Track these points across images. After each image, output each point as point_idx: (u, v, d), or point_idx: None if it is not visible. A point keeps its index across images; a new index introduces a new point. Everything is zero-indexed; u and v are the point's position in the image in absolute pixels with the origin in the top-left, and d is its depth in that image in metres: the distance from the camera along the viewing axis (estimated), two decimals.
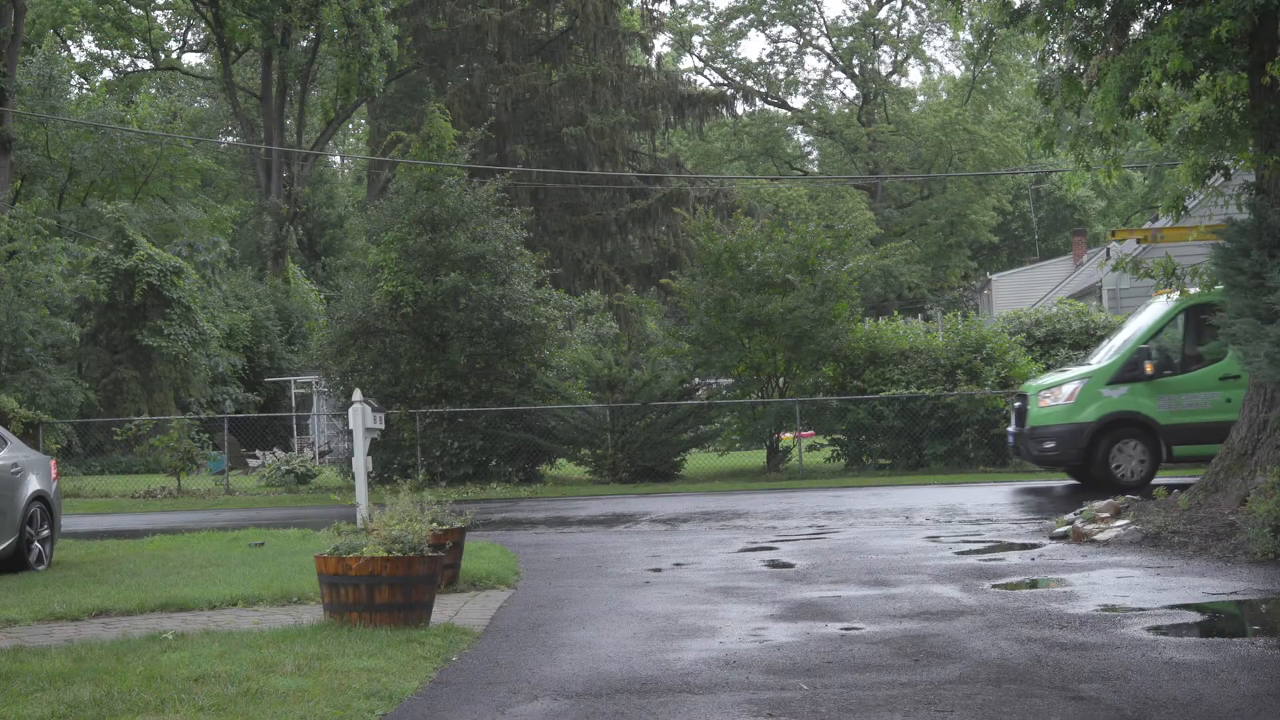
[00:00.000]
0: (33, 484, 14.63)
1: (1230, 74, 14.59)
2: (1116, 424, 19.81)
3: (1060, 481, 21.89)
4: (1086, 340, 31.69)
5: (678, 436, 26.94)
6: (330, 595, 9.94)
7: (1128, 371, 19.91)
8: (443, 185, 27.39)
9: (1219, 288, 19.29)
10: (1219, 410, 19.48)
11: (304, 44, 50.18)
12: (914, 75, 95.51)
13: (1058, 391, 20.23)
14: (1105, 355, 20.66)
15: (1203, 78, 14.97)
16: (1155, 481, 19.98)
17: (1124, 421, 19.81)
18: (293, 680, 8.16)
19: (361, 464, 14.29)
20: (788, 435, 27.94)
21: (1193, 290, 17.52)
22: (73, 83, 49.96)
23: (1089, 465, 20.04)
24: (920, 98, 76.61)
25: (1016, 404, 21.23)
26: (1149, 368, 19.81)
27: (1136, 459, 19.85)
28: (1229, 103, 15.07)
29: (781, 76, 75.23)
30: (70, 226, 41.79)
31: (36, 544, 14.57)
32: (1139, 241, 24.25)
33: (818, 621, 10.26)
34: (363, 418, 14.29)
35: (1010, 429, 21.54)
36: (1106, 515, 15.04)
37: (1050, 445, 20.02)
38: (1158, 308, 20.51)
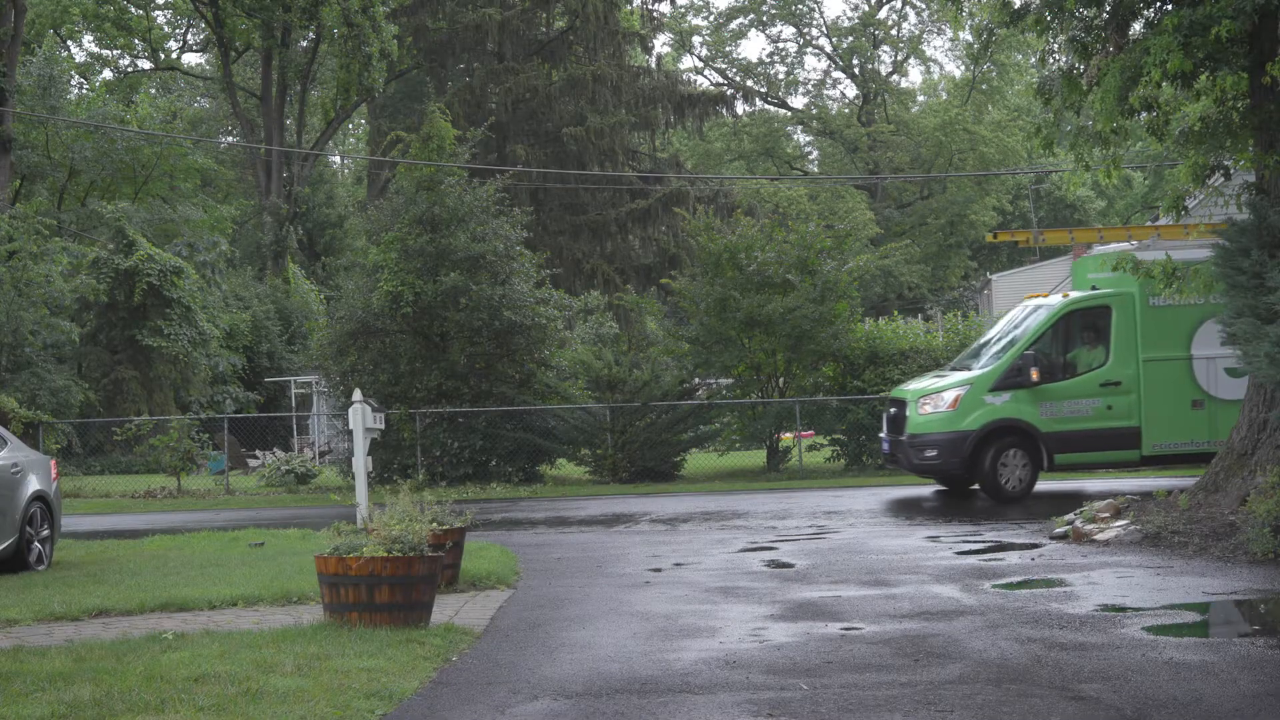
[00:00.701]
0: (33, 484, 14.63)
1: (1230, 74, 14.58)
2: (999, 432, 19.08)
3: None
4: None
5: (678, 436, 26.94)
6: (330, 595, 9.94)
7: (1011, 378, 19.22)
8: (443, 185, 27.38)
9: (1100, 291, 19.69)
10: (1100, 417, 19.24)
11: (304, 44, 50.18)
12: (914, 75, 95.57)
13: (939, 398, 19.41)
14: (987, 360, 19.88)
15: (1203, 78, 14.97)
16: (1113, 488, 19.69)
17: (1007, 429, 19.11)
18: (293, 680, 8.16)
19: (361, 464, 14.29)
20: (788, 435, 27.93)
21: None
22: (73, 83, 49.96)
23: (971, 474, 19.43)
24: (920, 98, 76.59)
25: (891, 410, 20.40)
26: (1034, 374, 19.14)
27: (1020, 467, 19.21)
28: (1229, 103, 15.07)
29: (781, 76, 75.26)
30: (70, 226, 41.77)
31: (36, 544, 14.57)
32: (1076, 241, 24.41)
33: (818, 621, 10.26)
34: (363, 418, 14.29)
35: (884, 435, 20.85)
36: (1106, 515, 15.04)
37: (932, 454, 19.23)
38: (1041, 312, 19.93)
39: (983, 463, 19.07)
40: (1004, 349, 19.85)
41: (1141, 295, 19.32)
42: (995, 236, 23.64)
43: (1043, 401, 19.18)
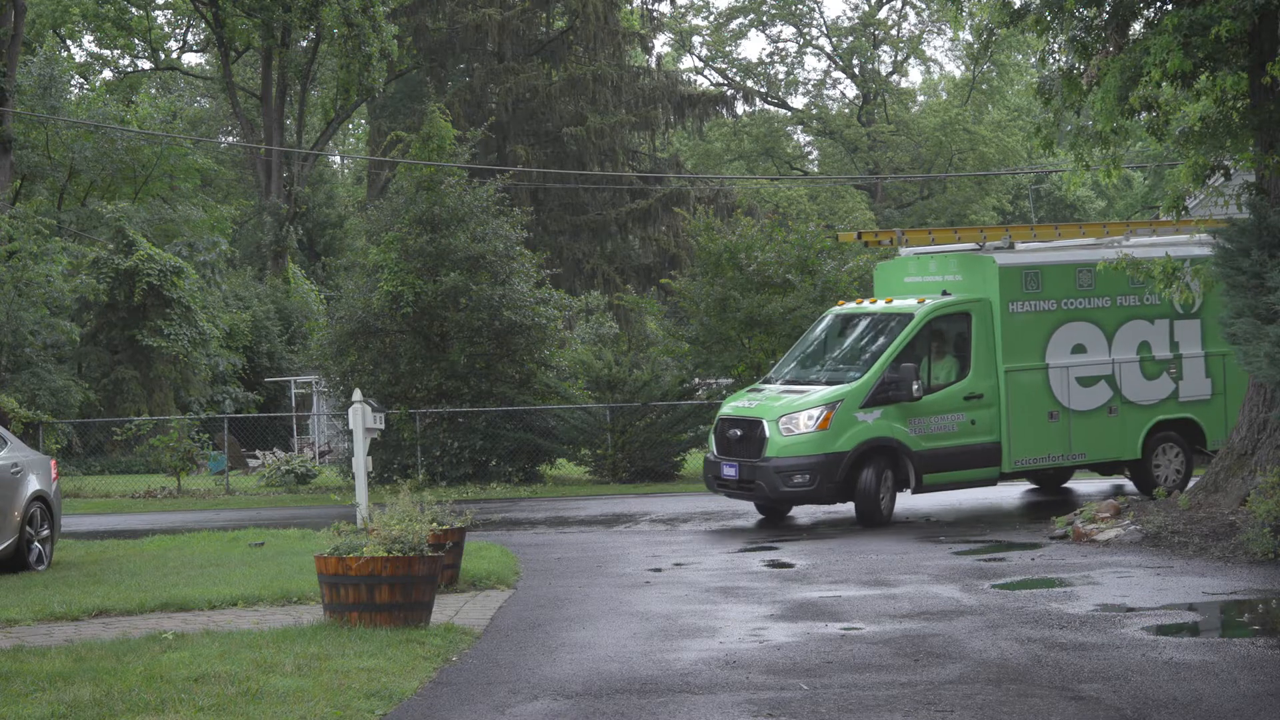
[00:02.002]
0: (33, 484, 14.63)
1: (1230, 74, 14.59)
2: (872, 453, 17.14)
3: (1082, 483, 21.70)
4: None
5: (678, 436, 26.93)
6: (330, 595, 9.94)
7: (881, 392, 17.22)
8: (443, 185, 27.38)
9: (957, 297, 17.92)
10: (964, 433, 17.63)
11: (304, 44, 50.13)
12: (914, 75, 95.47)
13: (805, 416, 17.15)
14: (830, 373, 17.95)
15: (1203, 78, 14.98)
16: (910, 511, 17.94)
17: (879, 449, 17.18)
18: (293, 680, 8.16)
19: (361, 464, 14.29)
20: None
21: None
22: (73, 83, 49.93)
23: (845, 499, 17.39)
24: (920, 98, 76.56)
25: (734, 432, 17.66)
26: (915, 389, 17.28)
27: (889, 489, 17.36)
28: (1229, 103, 15.07)
29: (781, 76, 75.21)
30: (70, 226, 41.73)
31: (36, 544, 14.57)
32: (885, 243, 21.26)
33: (818, 621, 10.26)
34: (363, 418, 14.29)
35: (716, 457, 17.93)
36: (1106, 515, 15.04)
37: (803, 479, 16.98)
38: (897, 321, 17.91)
39: (857, 486, 17.11)
40: (848, 361, 18.09)
41: (1002, 300, 17.87)
42: (860, 237, 21.43)
43: (912, 418, 17.34)
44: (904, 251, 19.88)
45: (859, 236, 21.07)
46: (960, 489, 18.45)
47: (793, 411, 17.24)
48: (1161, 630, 9.52)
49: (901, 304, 18.19)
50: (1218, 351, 18.82)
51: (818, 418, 17.12)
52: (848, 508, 17.88)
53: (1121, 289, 18.49)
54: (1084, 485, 21.00)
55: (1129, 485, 19.49)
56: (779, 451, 17.11)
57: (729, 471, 17.61)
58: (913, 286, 18.87)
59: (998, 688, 7.91)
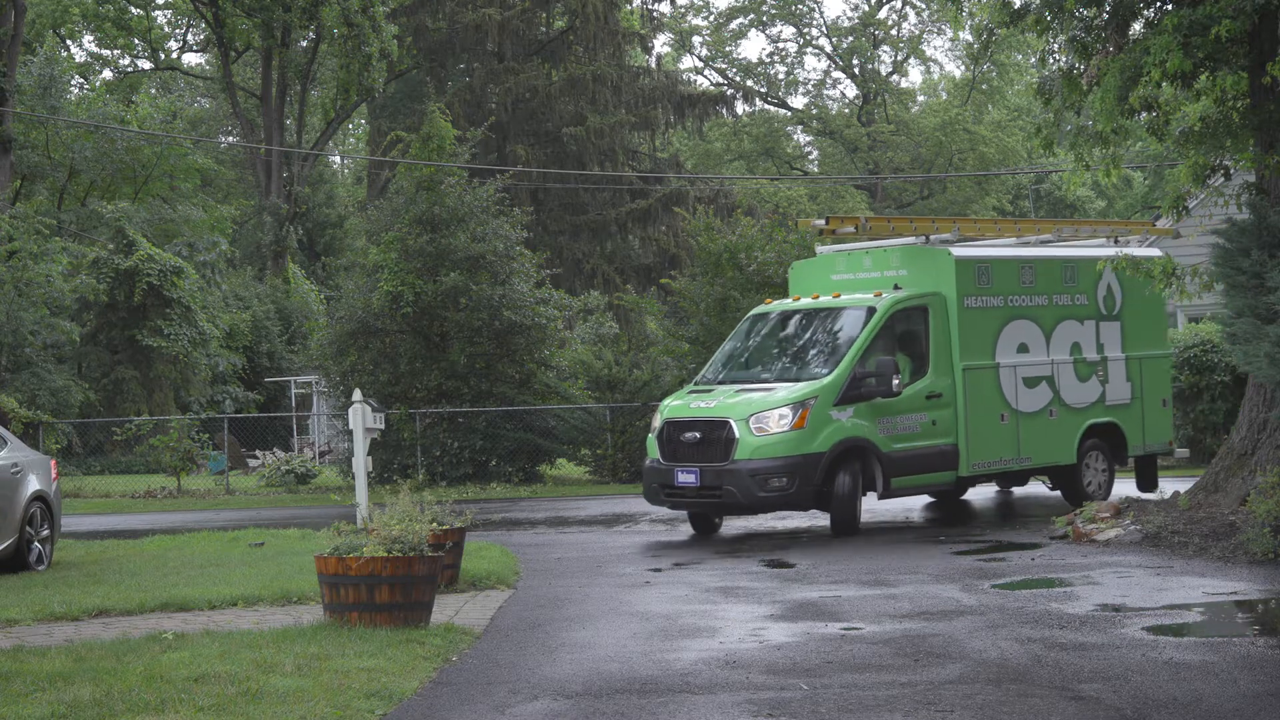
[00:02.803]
0: (33, 484, 14.63)
1: (1230, 74, 14.60)
2: (847, 455, 15.88)
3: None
4: None
5: None
6: (330, 595, 9.95)
7: (853, 389, 15.98)
8: (443, 185, 27.39)
9: (913, 290, 16.75)
10: (926, 434, 16.56)
11: (304, 44, 50.15)
12: (914, 75, 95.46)
13: (778, 415, 15.68)
14: (833, 369, 16.17)
15: (1203, 78, 14.98)
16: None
17: (854, 451, 15.94)
18: (293, 680, 8.16)
19: (361, 464, 14.29)
20: None
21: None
22: (73, 83, 49.93)
23: (820, 505, 16.06)
24: (920, 98, 76.56)
25: (690, 434, 15.97)
26: (895, 384, 16.15)
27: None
28: (1229, 103, 15.08)
29: (781, 76, 75.22)
30: (70, 226, 41.75)
31: (36, 544, 14.57)
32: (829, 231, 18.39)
33: (818, 621, 10.26)
34: (363, 418, 14.29)
35: (675, 465, 16.07)
36: (1107, 515, 15.04)
37: (780, 482, 15.52)
38: (857, 314, 16.75)
39: (833, 490, 15.79)
40: (801, 358, 16.90)
41: (958, 295, 16.90)
42: (828, 223, 18.21)
43: (880, 417, 16.18)
44: (823, 250, 18.67)
45: (826, 223, 18.30)
46: (921, 493, 17.59)
47: (764, 410, 15.72)
48: (1161, 630, 9.52)
49: (853, 298, 17.02)
50: (1136, 355, 18.56)
51: (792, 416, 15.66)
52: (798, 519, 17.43)
53: (1056, 287, 17.97)
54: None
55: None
56: (751, 453, 15.56)
57: (685, 479, 15.89)
58: (843, 284, 17.64)
59: (998, 688, 7.91)
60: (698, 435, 15.92)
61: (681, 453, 16.05)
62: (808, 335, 17.21)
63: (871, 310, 16.59)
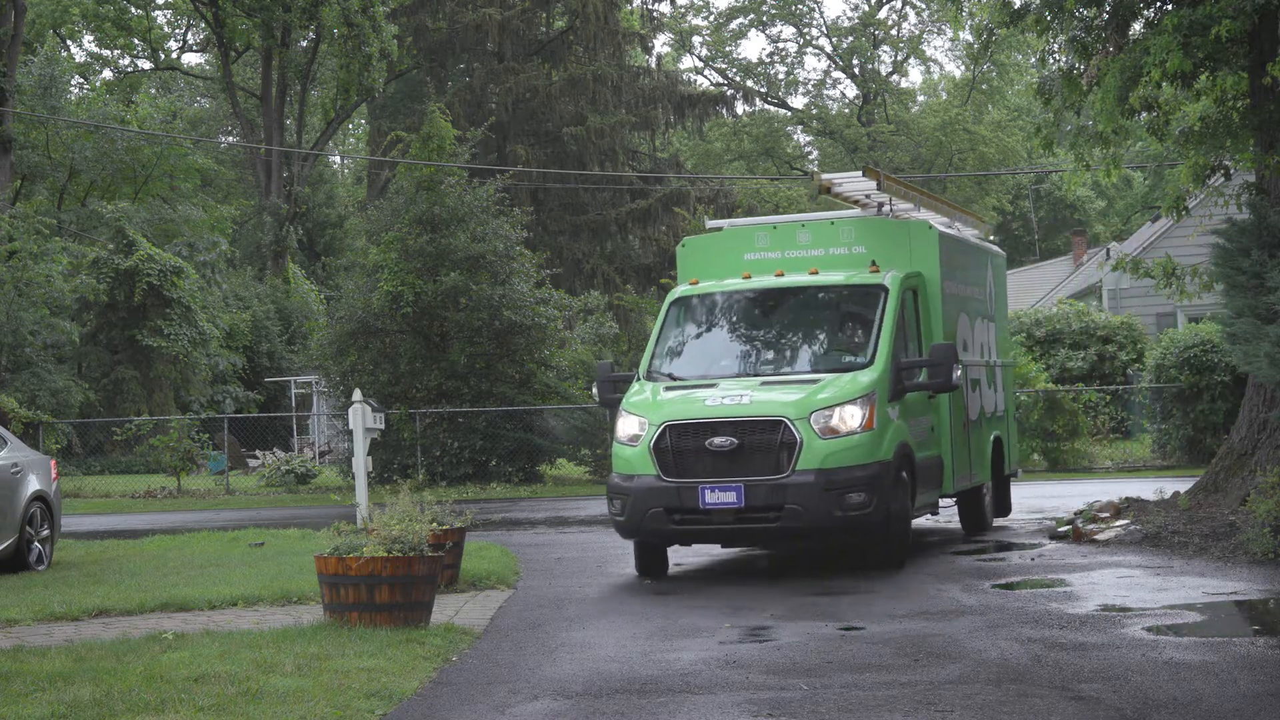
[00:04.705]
0: (33, 484, 14.63)
1: (1230, 74, 14.60)
2: (901, 463, 12.90)
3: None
4: (1087, 340, 31.64)
5: None
6: (330, 595, 9.95)
7: (898, 383, 13.07)
8: (443, 185, 27.40)
9: (902, 270, 13.78)
10: (928, 442, 13.91)
11: (304, 44, 50.17)
12: (914, 75, 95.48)
13: (845, 413, 12.46)
14: (871, 357, 13.13)
15: (1203, 78, 14.99)
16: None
17: (905, 460, 12.99)
18: (293, 680, 8.16)
19: (361, 464, 14.29)
20: None
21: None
22: (73, 83, 49.95)
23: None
24: (920, 98, 76.58)
25: (724, 441, 12.26)
26: (955, 375, 13.34)
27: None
28: (1229, 103, 15.09)
29: (781, 76, 75.25)
30: (70, 226, 41.77)
31: (36, 544, 14.57)
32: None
33: (818, 621, 10.26)
34: (363, 418, 14.28)
35: (700, 482, 12.35)
36: (1107, 515, 15.04)
37: (859, 499, 12.26)
38: (881, 294, 13.56)
39: (890, 510, 12.60)
40: (796, 348, 13.88)
41: (942, 277, 14.44)
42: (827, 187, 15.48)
43: (910, 418, 13.42)
44: (725, 224, 15.46)
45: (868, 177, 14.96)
46: (921, 515, 14.28)
47: (826, 406, 12.44)
48: (1161, 630, 9.52)
49: (834, 276, 13.93)
50: (1007, 362, 17.29)
51: (861, 414, 12.50)
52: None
53: (974, 277, 15.87)
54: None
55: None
56: (822, 461, 12.23)
57: (719, 499, 12.29)
58: (764, 264, 14.37)
59: (998, 688, 7.91)
60: (734, 441, 12.25)
61: (704, 465, 12.38)
62: (809, 319, 14.07)
63: (878, 289, 13.55)
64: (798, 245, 14.50)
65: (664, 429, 12.53)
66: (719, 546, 14.23)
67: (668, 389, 13.24)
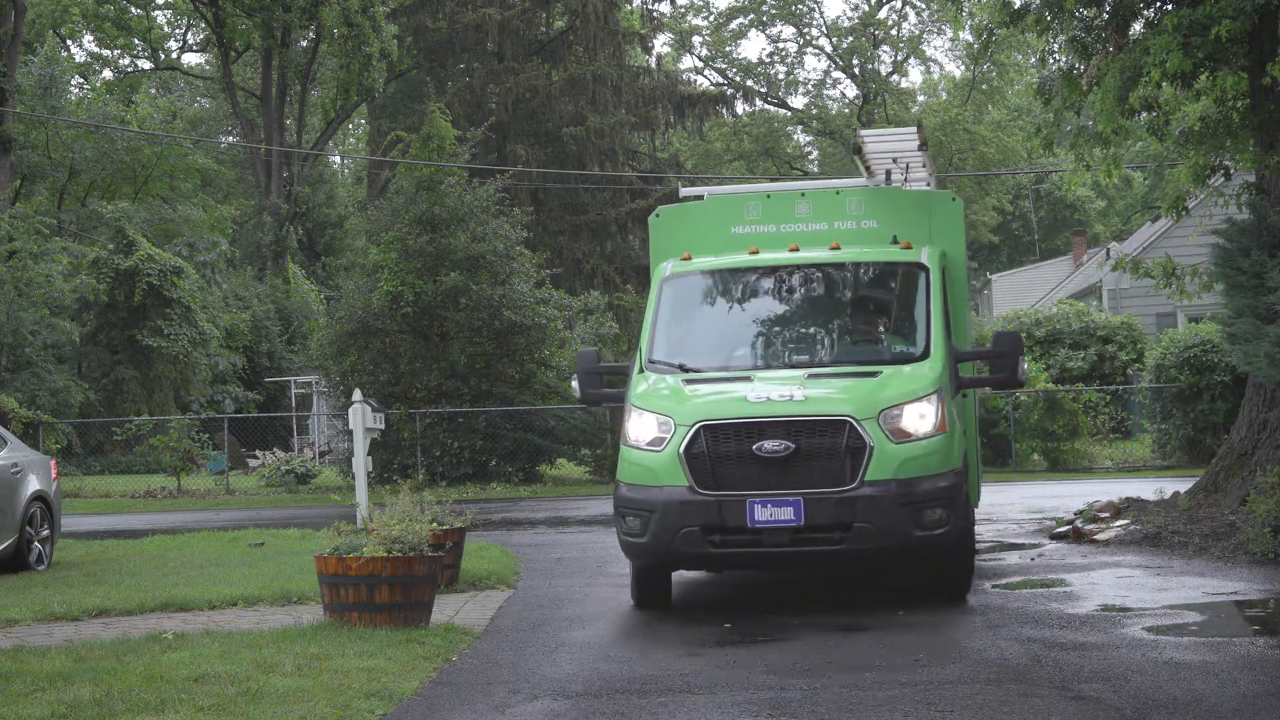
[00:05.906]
0: (33, 484, 14.63)
1: (1230, 74, 14.60)
2: (964, 471, 11.06)
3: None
4: (1087, 340, 31.66)
5: None
6: (330, 595, 9.94)
7: (955, 378, 11.44)
8: (443, 185, 27.40)
9: (933, 248, 11.95)
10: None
11: (304, 44, 50.19)
12: (914, 75, 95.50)
13: (916, 412, 10.58)
14: (922, 346, 11.31)
15: (1203, 78, 14.99)
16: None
17: (966, 468, 11.17)
18: (293, 680, 8.16)
19: (361, 464, 14.29)
20: None
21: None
22: (73, 83, 49.95)
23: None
24: (920, 98, 76.58)
25: (776, 445, 10.23)
26: (1020, 368, 11.65)
27: None
28: (1229, 103, 15.08)
29: (781, 76, 75.25)
30: (70, 226, 41.78)
31: (36, 544, 14.57)
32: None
33: (818, 621, 10.25)
34: (363, 418, 14.28)
35: (749, 494, 10.27)
36: (1107, 515, 15.04)
37: (937, 515, 10.39)
38: (921, 276, 11.76)
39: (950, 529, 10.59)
40: (822, 333, 11.96)
41: (964, 257, 12.87)
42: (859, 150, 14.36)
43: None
44: (708, 192, 13.28)
45: (920, 131, 13.95)
46: None
47: (894, 403, 10.52)
48: (1161, 630, 9.51)
49: (864, 252, 12.15)
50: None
51: (934, 414, 10.62)
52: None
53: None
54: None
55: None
56: (896, 470, 10.28)
57: (772, 515, 10.25)
58: (757, 239, 12.42)
59: (998, 688, 7.91)
60: (790, 446, 10.24)
61: (751, 475, 10.32)
62: (838, 301, 12.18)
63: (916, 266, 11.79)
64: (796, 218, 12.58)
65: (698, 430, 10.42)
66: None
67: (689, 382, 11.15)
